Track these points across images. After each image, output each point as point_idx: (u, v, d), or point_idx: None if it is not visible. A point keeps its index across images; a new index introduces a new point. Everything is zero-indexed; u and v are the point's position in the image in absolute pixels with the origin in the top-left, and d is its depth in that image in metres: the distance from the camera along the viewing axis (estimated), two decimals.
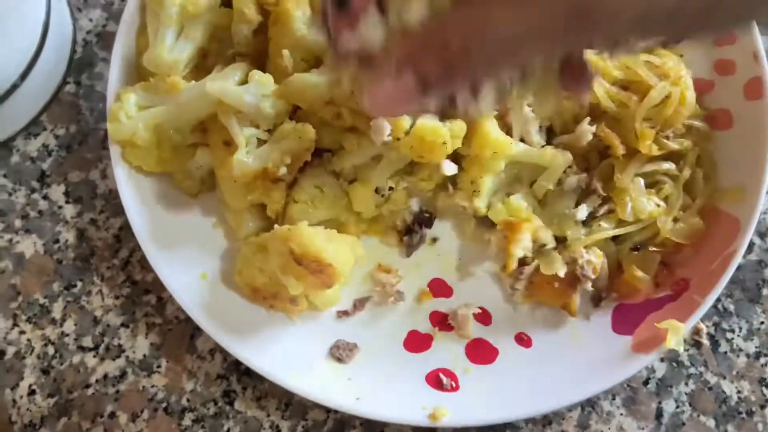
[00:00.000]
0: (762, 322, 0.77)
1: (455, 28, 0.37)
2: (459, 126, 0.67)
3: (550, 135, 0.75)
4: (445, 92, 0.40)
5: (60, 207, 0.80)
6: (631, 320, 0.71)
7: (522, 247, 0.70)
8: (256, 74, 0.69)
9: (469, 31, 0.36)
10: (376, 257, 0.77)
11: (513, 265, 0.70)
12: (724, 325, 0.77)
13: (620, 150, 0.71)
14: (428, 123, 0.65)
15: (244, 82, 0.70)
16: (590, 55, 0.73)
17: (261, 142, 0.70)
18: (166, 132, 0.71)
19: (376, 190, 0.73)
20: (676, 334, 0.67)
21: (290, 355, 0.71)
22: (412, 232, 0.77)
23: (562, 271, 0.70)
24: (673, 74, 0.72)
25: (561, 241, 0.74)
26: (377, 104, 0.41)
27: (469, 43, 0.37)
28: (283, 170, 0.69)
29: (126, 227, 0.78)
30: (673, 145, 0.73)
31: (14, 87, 0.73)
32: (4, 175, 0.81)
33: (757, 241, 0.79)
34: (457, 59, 0.37)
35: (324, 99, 0.68)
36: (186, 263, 0.72)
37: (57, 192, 0.80)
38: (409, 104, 0.41)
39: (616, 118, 0.73)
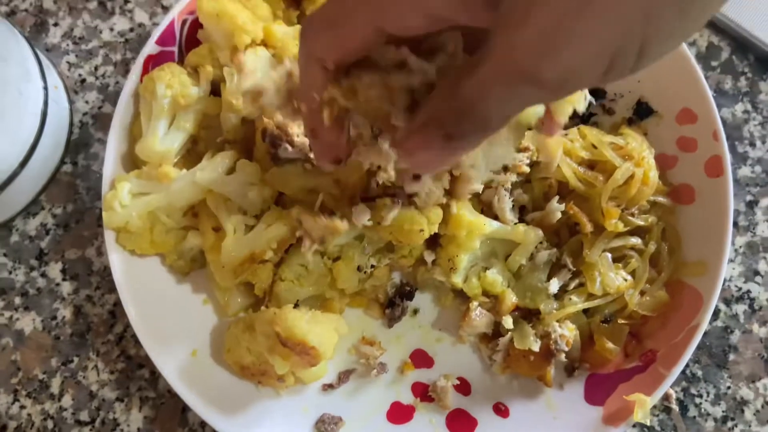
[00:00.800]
0: (729, 387, 0.80)
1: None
2: (436, 213, 0.71)
3: (523, 212, 0.79)
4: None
5: (57, 284, 0.83)
6: (602, 390, 0.75)
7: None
8: (243, 164, 0.73)
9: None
10: (360, 328, 0.81)
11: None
12: (693, 390, 0.80)
13: (588, 227, 0.75)
14: (406, 212, 0.70)
15: (232, 169, 0.74)
16: (558, 138, 0.78)
17: (248, 228, 0.74)
18: (158, 217, 0.75)
19: (359, 268, 0.76)
20: (643, 407, 0.70)
21: (278, 430, 0.74)
22: (394, 304, 0.81)
23: (535, 346, 0.73)
24: (637, 155, 0.76)
25: (534, 313, 0.78)
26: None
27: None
28: (269, 253, 0.73)
29: (120, 303, 0.81)
30: (638, 221, 0.77)
31: (14, 175, 0.77)
32: (5, 254, 0.84)
33: (723, 307, 0.83)
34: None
35: (307, 187, 0.72)
36: (177, 341, 0.75)
37: (54, 269, 0.84)
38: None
39: (584, 196, 0.77)
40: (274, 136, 0.69)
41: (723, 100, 0.90)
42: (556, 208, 0.76)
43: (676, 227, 0.79)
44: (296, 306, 0.73)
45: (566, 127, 0.82)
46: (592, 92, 0.86)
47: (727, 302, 0.83)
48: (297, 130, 0.69)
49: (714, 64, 0.91)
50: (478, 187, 0.72)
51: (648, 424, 0.73)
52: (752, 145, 0.88)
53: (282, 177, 0.72)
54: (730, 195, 0.76)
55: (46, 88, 0.80)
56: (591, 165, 0.78)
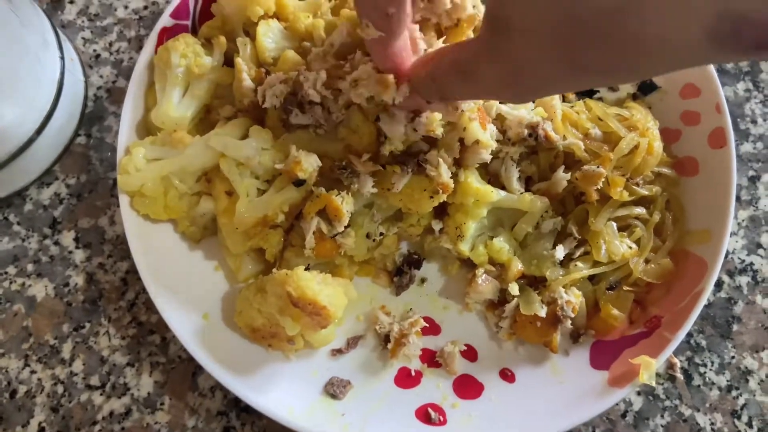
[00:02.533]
0: (732, 357, 0.81)
1: None
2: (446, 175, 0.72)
3: (529, 182, 0.80)
4: None
5: (70, 252, 0.85)
6: (607, 356, 0.76)
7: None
8: (255, 129, 0.74)
9: None
10: (368, 296, 0.82)
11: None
12: (697, 360, 0.81)
13: (594, 196, 0.77)
14: (416, 179, 0.71)
15: (244, 136, 0.76)
16: (565, 109, 0.79)
17: (260, 192, 0.75)
18: (172, 182, 0.77)
19: (368, 235, 0.78)
20: (648, 369, 0.71)
21: (287, 392, 0.75)
22: (402, 273, 0.82)
23: (542, 312, 0.74)
24: (641, 126, 0.78)
25: (540, 281, 0.79)
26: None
27: None
28: (281, 217, 0.74)
29: (132, 271, 0.83)
30: (643, 191, 0.78)
31: (30, 141, 0.79)
32: (18, 223, 0.86)
33: (726, 279, 0.84)
34: None
35: (319, 152, 0.73)
36: (189, 305, 0.76)
37: (68, 238, 0.85)
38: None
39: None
40: (288, 100, 0.71)
41: (725, 78, 0.91)
42: (562, 177, 0.77)
43: (680, 198, 0.81)
44: (307, 269, 0.74)
45: (571, 101, 0.84)
46: None
47: (730, 274, 0.84)
48: (310, 85, 0.70)
49: None
50: (487, 157, 0.74)
51: (653, 385, 0.73)
52: (754, 122, 0.90)
53: (293, 142, 0.73)
54: (733, 165, 0.77)
55: (62, 58, 0.81)
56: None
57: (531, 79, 0.49)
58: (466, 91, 0.58)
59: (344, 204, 0.72)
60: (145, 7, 0.95)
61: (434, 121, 0.71)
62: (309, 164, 0.71)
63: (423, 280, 0.83)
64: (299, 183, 0.71)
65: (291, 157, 0.71)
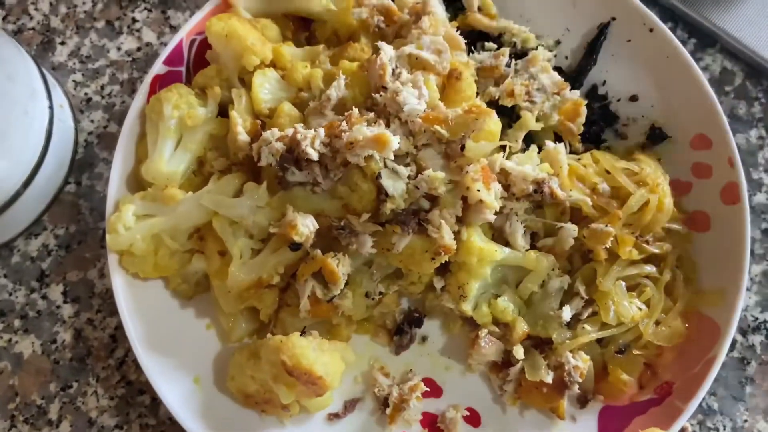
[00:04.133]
0: (746, 420, 0.78)
1: None
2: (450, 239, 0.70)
3: (534, 237, 0.77)
4: None
5: (58, 306, 0.82)
6: (616, 423, 0.73)
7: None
8: (250, 186, 0.71)
9: None
10: (367, 356, 0.79)
11: None
12: (709, 424, 0.78)
13: (603, 255, 0.74)
14: (417, 239, 0.68)
15: (239, 192, 0.73)
16: (572, 162, 0.77)
17: (255, 252, 0.72)
18: (162, 240, 0.74)
19: (367, 294, 0.75)
20: None
21: None
22: (402, 331, 0.79)
23: (548, 378, 0.71)
24: (651, 181, 0.75)
25: (546, 342, 0.76)
26: None
27: None
28: (276, 278, 0.71)
29: (122, 327, 0.79)
30: (653, 249, 0.75)
31: (17, 195, 0.76)
32: (5, 276, 0.83)
33: (739, 338, 0.81)
34: None
35: (316, 211, 0.71)
36: (179, 368, 0.73)
37: (56, 291, 0.82)
38: None
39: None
40: (284, 158, 0.68)
41: (737, 125, 0.88)
42: (569, 234, 0.74)
43: (692, 255, 0.78)
44: (303, 333, 0.71)
45: (579, 152, 0.81)
46: (605, 117, 0.85)
47: (743, 332, 0.81)
48: (308, 144, 0.68)
49: (727, 89, 0.90)
50: (491, 218, 0.71)
51: None
52: (767, 171, 0.87)
53: (290, 200, 0.71)
54: (746, 223, 0.74)
55: (51, 107, 0.79)
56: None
57: None
58: None
59: (340, 266, 0.69)
60: (139, 49, 0.92)
61: (437, 179, 0.68)
62: (305, 227, 0.68)
63: (424, 339, 0.80)
64: (295, 247, 0.69)
65: (286, 219, 0.68)
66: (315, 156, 0.68)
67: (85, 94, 0.90)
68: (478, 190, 0.68)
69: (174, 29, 0.93)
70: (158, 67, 0.80)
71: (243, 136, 0.74)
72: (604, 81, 0.86)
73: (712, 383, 0.77)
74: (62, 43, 0.92)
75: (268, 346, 0.69)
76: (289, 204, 0.70)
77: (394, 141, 0.66)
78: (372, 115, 0.70)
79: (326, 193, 0.71)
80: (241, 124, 0.74)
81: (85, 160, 0.87)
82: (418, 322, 0.79)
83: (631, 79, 0.84)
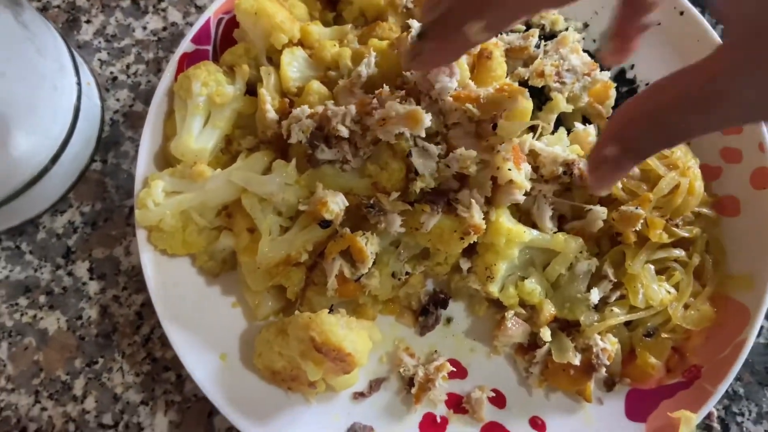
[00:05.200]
0: None
1: None
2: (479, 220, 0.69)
3: (561, 221, 0.77)
4: None
5: (84, 283, 0.82)
6: (644, 406, 0.72)
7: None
8: (279, 164, 0.71)
9: None
10: (392, 337, 0.79)
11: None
12: (734, 409, 0.78)
13: (632, 237, 0.73)
14: (446, 219, 0.68)
15: (268, 170, 0.73)
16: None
17: (283, 229, 0.72)
18: (191, 217, 0.74)
19: (393, 275, 0.74)
20: (688, 424, 0.68)
21: None
22: (428, 313, 0.79)
23: (575, 360, 0.71)
24: (682, 164, 0.75)
25: (573, 325, 0.75)
26: None
27: None
28: (304, 256, 0.71)
29: (147, 304, 0.80)
30: (683, 232, 0.75)
31: (45, 170, 0.76)
32: (31, 252, 0.83)
33: (766, 324, 0.80)
34: None
35: (344, 189, 0.70)
36: (206, 345, 0.73)
37: (81, 268, 0.82)
38: None
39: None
40: (314, 135, 0.68)
41: None
42: (598, 216, 0.74)
43: (721, 240, 0.77)
44: (331, 311, 0.71)
45: None
46: None
47: None
48: (338, 121, 0.68)
49: None
50: (520, 198, 0.70)
51: None
52: None
53: (319, 178, 0.70)
54: None
55: (79, 84, 0.79)
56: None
57: None
58: (708, 123, 0.46)
59: (368, 245, 0.69)
60: (164, 29, 0.92)
61: (468, 158, 0.68)
62: (335, 205, 0.67)
63: (449, 320, 0.80)
64: (325, 224, 0.68)
65: (316, 196, 0.68)
66: (345, 133, 0.68)
67: (111, 72, 0.90)
68: (509, 170, 0.68)
69: (199, 9, 0.93)
70: (186, 45, 0.80)
71: (272, 114, 0.74)
72: (633, 65, 0.86)
73: (739, 369, 0.77)
74: (88, 22, 0.92)
75: (297, 322, 0.69)
76: (318, 182, 0.70)
77: (427, 118, 0.66)
78: (403, 93, 0.69)
79: (355, 172, 0.71)
80: (269, 102, 0.74)
81: (111, 139, 0.87)
82: (443, 303, 0.79)
83: (660, 62, 0.83)
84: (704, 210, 0.77)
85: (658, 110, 0.47)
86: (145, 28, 0.92)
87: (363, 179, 0.71)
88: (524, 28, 0.83)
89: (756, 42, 0.42)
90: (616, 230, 0.75)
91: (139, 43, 0.91)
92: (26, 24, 0.69)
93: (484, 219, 0.69)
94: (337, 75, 0.76)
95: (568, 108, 0.77)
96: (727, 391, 0.77)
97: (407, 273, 0.75)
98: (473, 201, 0.68)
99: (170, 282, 0.75)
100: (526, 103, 0.69)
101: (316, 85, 0.74)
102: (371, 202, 0.69)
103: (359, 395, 0.75)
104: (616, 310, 0.74)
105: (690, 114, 0.46)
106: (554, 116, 0.77)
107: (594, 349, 0.71)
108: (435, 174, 0.69)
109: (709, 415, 0.77)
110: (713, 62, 0.44)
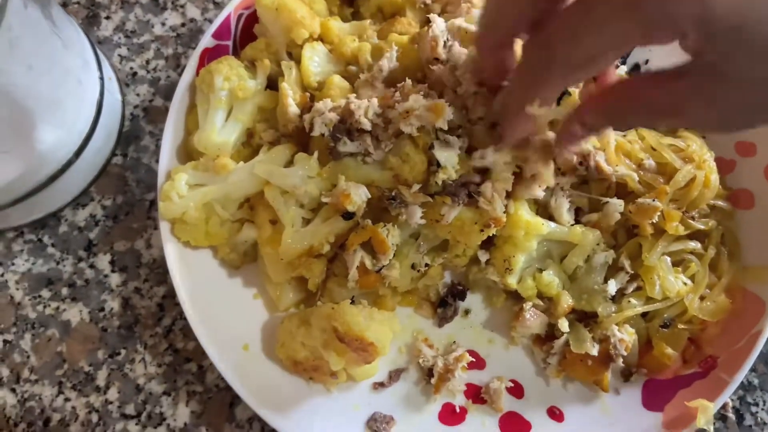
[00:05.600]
0: None
1: None
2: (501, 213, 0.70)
3: (578, 213, 0.78)
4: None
5: (106, 276, 0.83)
6: (661, 396, 0.73)
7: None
8: (302, 157, 0.72)
9: None
10: (411, 328, 0.80)
11: None
12: (749, 399, 0.79)
13: (649, 230, 0.74)
14: (467, 211, 0.69)
15: (290, 162, 0.74)
16: (619, 138, 0.77)
17: (305, 221, 0.73)
18: (214, 209, 0.75)
19: (413, 266, 0.75)
20: (705, 413, 0.68)
21: (328, 428, 0.73)
22: (446, 304, 0.80)
23: (593, 350, 0.72)
24: (698, 157, 0.75)
25: (590, 316, 0.76)
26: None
27: None
28: (326, 248, 0.72)
29: (169, 296, 0.82)
30: (699, 225, 0.76)
31: (69, 164, 0.77)
32: (53, 245, 0.84)
33: None
34: None
35: (367, 181, 0.71)
36: (228, 335, 0.74)
37: (103, 261, 0.83)
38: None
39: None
40: (337, 128, 0.69)
41: None
42: (615, 209, 0.75)
43: (736, 232, 0.78)
44: (352, 302, 0.72)
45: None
46: None
47: None
48: (361, 114, 0.68)
49: None
50: (540, 194, 0.71)
51: (710, 429, 0.71)
52: None
53: (341, 171, 0.71)
54: None
55: (102, 79, 0.80)
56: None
57: (748, 114, 0.49)
58: (656, 125, 0.58)
59: (389, 237, 0.70)
60: (183, 24, 0.93)
61: (500, 162, 0.69)
62: (358, 197, 0.68)
63: (467, 312, 0.81)
64: (348, 216, 0.69)
65: (339, 188, 0.69)
66: (368, 126, 0.69)
67: (131, 68, 0.91)
68: (537, 164, 0.69)
69: (218, 5, 0.94)
70: (207, 40, 0.81)
71: (293, 108, 0.75)
72: (647, 60, 0.86)
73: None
74: (107, 18, 0.93)
75: (320, 313, 0.70)
76: (340, 174, 0.71)
77: (449, 111, 0.67)
78: (425, 86, 0.70)
79: (377, 164, 0.72)
80: (291, 96, 0.75)
81: (131, 133, 0.88)
82: (461, 295, 0.80)
83: (674, 57, 0.84)
84: (719, 203, 0.78)
85: (614, 101, 0.54)
86: (164, 24, 0.93)
87: (384, 171, 0.72)
88: None
89: (709, 85, 0.47)
90: (632, 222, 0.76)
91: (158, 39, 0.92)
92: (53, 18, 0.71)
93: (504, 212, 0.70)
94: (357, 69, 0.77)
95: None
96: (741, 382, 0.78)
97: (426, 265, 0.76)
98: (495, 194, 0.69)
99: (193, 274, 0.76)
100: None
101: (338, 80, 0.75)
102: (393, 194, 0.70)
103: (379, 385, 0.76)
104: (633, 301, 0.75)
105: (645, 116, 0.53)
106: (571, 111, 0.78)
107: (611, 340, 0.72)
108: (457, 167, 0.70)
109: (724, 406, 0.78)
110: (679, 86, 0.49)
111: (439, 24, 0.72)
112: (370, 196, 0.70)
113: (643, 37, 0.46)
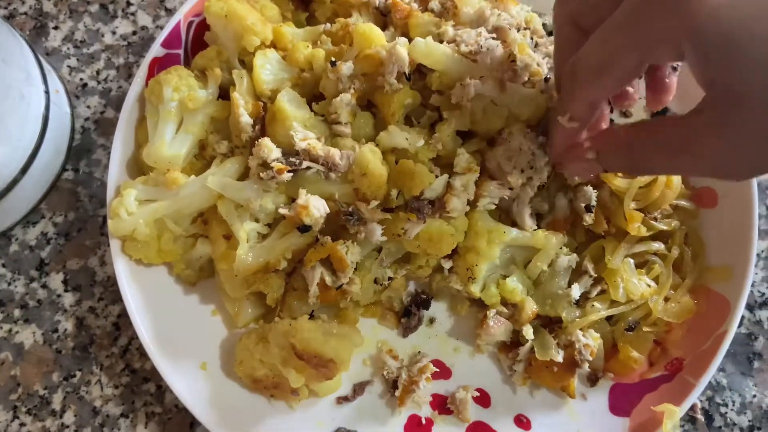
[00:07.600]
0: (754, 396, 0.78)
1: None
2: (462, 222, 0.69)
3: (540, 220, 0.76)
4: None
5: (59, 295, 0.80)
6: (628, 401, 0.72)
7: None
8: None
9: None
10: (374, 339, 0.78)
11: None
12: (718, 399, 0.78)
13: (603, 225, 0.73)
14: (433, 223, 0.67)
15: (243, 175, 0.72)
16: None
17: (261, 237, 0.71)
18: (166, 225, 0.72)
19: (375, 281, 0.74)
20: (671, 418, 0.68)
21: None
22: (410, 314, 0.78)
23: (558, 357, 0.71)
24: None
25: (555, 322, 0.75)
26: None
27: None
28: (283, 264, 0.70)
29: (124, 314, 0.79)
30: (661, 226, 0.75)
31: (15, 182, 0.74)
32: (3, 265, 0.81)
33: (747, 314, 0.81)
34: None
35: (325, 195, 0.69)
36: (185, 354, 0.72)
37: (56, 280, 0.81)
38: None
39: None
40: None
41: None
42: (563, 204, 0.74)
43: (699, 232, 0.77)
44: (311, 316, 0.70)
45: None
46: None
47: (750, 308, 0.81)
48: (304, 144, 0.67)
49: None
50: (502, 195, 0.70)
51: None
52: None
53: (300, 184, 0.69)
54: (754, 198, 0.74)
55: (47, 92, 0.77)
56: None
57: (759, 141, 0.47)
58: (674, 166, 0.55)
59: (349, 254, 0.68)
60: (134, 33, 0.90)
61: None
62: (316, 210, 0.66)
63: (431, 320, 0.79)
64: (305, 229, 0.67)
65: (298, 201, 0.67)
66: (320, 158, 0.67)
67: (81, 79, 0.88)
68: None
69: (169, 12, 0.91)
70: (156, 50, 0.78)
71: (245, 118, 0.72)
72: None
73: (722, 359, 0.77)
74: (55, 28, 0.90)
75: (277, 329, 0.68)
76: (300, 187, 0.69)
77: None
78: None
79: (338, 178, 0.70)
80: (243, 106, 0.73)
81: (83, 147, 0.86)
82: (425, 304, 0.78)
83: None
84: (682, 202, 0.77)
85: (633, 146, 0.55)
86: (114, 32, 0.90)
87: (344, 185, 0.70)
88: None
89: (724, 113, 0.46)
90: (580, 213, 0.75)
91: (108, 49, 0.89)
92: None
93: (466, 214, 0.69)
94: (311, 76, 0.75)
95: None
96: (710, 382, 0.78)
97: (390, 278, 0.74)
98: (456, 198, 0.68)
99: (147, 292, 0.73)
100: None
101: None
102: (350, 209, 0.68)
103: (343, 399, 0.75)
104: (597, 305, 0.74)
105: (660, 158, 0.53)
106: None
107: (576, 345, 0.71)
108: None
109: (692, 407, 0.77)
110: (692, 120, 0.49)
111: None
112: (329, 210, 0.68)
113: (643, 54, 0.49)
